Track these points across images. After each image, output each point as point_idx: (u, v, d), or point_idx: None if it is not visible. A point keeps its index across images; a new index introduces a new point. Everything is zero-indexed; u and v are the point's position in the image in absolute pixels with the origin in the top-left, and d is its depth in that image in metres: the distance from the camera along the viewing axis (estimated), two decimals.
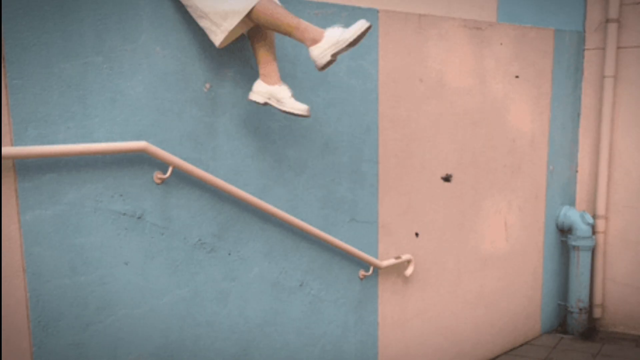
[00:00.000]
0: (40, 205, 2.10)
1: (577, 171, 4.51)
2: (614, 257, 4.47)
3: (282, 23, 2.34)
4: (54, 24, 2.08)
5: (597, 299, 4.50)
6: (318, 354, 3.05)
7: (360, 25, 2.36)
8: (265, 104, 2.50)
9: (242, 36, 2.55)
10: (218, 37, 2.34)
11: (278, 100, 2.48)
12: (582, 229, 4.28)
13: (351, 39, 2.35)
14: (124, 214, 2.30)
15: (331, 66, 2.91)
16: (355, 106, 3.06)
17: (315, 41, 2.37)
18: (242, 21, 2.33)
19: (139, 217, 2.34)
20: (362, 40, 2.50)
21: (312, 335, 3.02)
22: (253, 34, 2.50)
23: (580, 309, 4.40)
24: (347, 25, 2.41)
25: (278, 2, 2.43)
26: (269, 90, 2.48)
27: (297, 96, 2.78)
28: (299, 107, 2.47)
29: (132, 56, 2.27)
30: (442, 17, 3.45)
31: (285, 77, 2.75)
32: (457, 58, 3.55)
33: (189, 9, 2.36)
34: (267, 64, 2.48)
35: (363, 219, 3.18)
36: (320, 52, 2.38)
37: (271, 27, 2.37)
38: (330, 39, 2.36)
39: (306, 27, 2.37)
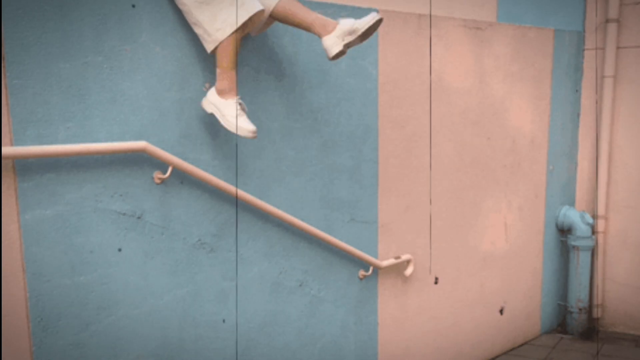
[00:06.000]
0: (40, 205, 2.10)
1: (576, 171, 4.51)
2: (613, 257, 4.47)
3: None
4: (54, 24, 2.08)
5: (597, 299, 4.50)
6: (318, 354, 3.05)
7: (372, 17, 2.38)
8: (212, 114, 2.41)
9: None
10: (209, 45, 2.37)
11: (222, 115, 2.37)
12: (581, 229, 4.28)
13: (363, 29, 2.37)
14: (124, 214, 2.30)
15: (331, 67, 2.92)
16: (355, 106, 3.06)
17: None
18: (234, 33, 2.34)
19: (139, 217, 2.34)
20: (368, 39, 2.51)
21: (312, 335, 3.02)
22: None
23: (580, 309, 4.40)
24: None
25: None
26: (216, 101, 2.39)
27: (297, 96, 2.79)
28: (239, 127, 2.33)
29: (132, 56, 2.27)
30: (442, 17, 3.45)
31: (285, 77, 2.76)
32: (457, 58, 3.55)
33: (185, 15, 2.37)
34: (224, 73, 2.37)
35: (363, 219, 3.18)
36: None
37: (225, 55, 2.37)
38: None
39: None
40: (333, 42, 2.39)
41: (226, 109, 2.36)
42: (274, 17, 2.46)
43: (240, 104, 2.38)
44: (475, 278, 3.87)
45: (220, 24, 2.29)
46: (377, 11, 3.09)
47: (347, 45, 2.42)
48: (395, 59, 3.23)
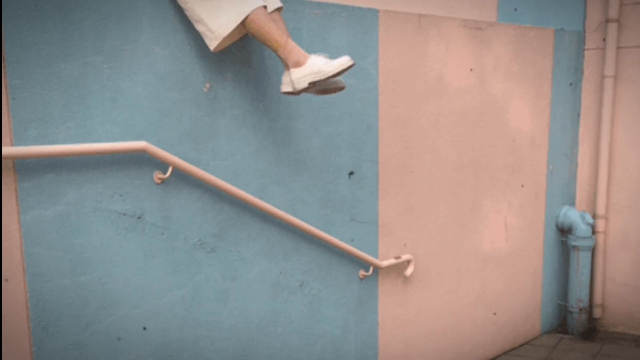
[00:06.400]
0: (40, 205, 2.10)
1: (577, 171, 4.51)
2: (614, 257, 4.47)
3: (270, 38, 2.33)
4: (54, 24, 2.08)
5: (597, 299, 4.50)
6: (318, 354, 3.05)
7: (344, 61, 2.35)
8: (311, 84, 2.37)
9: (241, 37, 2.55)
10: (212, 42, 2.36)
11: (317, 73, 2.34)
12: (582, 228, 4.28)
13: (332, 73, 2.33)
14: (124, 214, 2.30)
15: None
16: (355, 106, 3.06)
17: (297, 64, 2.36)
18: (237, 28, 2.33)
19: (139, 217, 2.34)
20: (345, 73, 2.45)
21: (312, 335, 3.02)
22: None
23: (580, 309, 4.40)
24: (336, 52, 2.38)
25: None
26: (303, 71, 2.37)
27: (297, 96, 2.79)
28: (340, 64, 2.33)
29: (132, 56, 2.27)
30: (442, 17, 3.46)
31: None
32: (457, 58, 3.55)
33: (186, 12, 2.37)
34: (285, 48, 2.36)
35: (363, 219, 3.18)
36: (300, 76, 2.37)
37: (259, 39, 2.37)
38: (312, 67, 2.34)
39: (293, 48, 2.36)
40: (299, 77, 2.37)
41: (314, 66, 2.34)
42: (246, 27, 2.35)
43: (317, 54, 2.38)
44: (475, 278, 3.87)
45: (223, 20, 2.29)
46: (376, 9, 3.10)
47: (313, 83, 2.38)
48: (395, 59, 3.23)
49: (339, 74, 2.36)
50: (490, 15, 3.80)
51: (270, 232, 2.79)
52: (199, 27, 2.37)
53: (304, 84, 2.37)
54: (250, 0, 2.29)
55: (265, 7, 2.35)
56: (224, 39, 2.35)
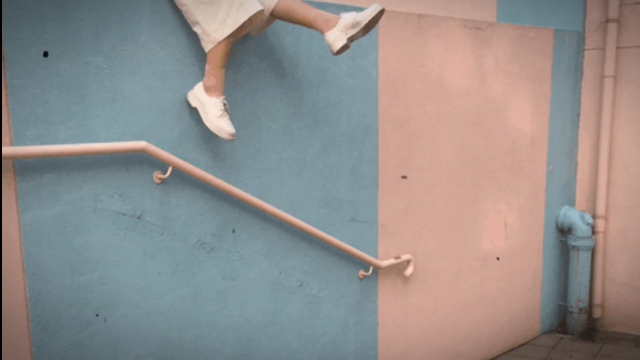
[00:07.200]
0: (40, 205, 2.10)
1: (576, 171, 4.52)
2: (613, 257, 4.47)
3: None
4: (54, 24, 2.08)
5: (597, 299, 4.50)
6: (318, 354, 3.05)
7: (374, 8, 2.38)
8: (195, 108, 2.42)
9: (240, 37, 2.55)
10: (208, 45, 2.37)
11: (205, 113, 2.38)
12: (581, 229, 4.28)
13: (366, 21, 2.37)
14: (124, 214, 2.30)
15: (331, 67, 2.92)
16: (355, 106, 3.06)
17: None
18: (233, 33, 2.34)
19: (139, 217, 2.34)
20: (372, 30, 2.52)
21: (312, 335, 3.02)
22: None
23: (580, 309, 4.40)
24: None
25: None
26: (202, 98, 2.39)
27: (297, 96, 2.79)
28: (219, 128, 2.36)
29: (132, 56, 2.27)
30: (442, 17, 3.46)
31: (285, 77, 2.76)
32: (457, 58, 3.55)
33: (184, 14, 2.37)
34: (213, 70, 2.37)
35: (363, 219, 3.18)
36: (336, 36, 2.39)
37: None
38: (346, 22, 2.38)
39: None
40: (336, 37, 2.40)
41: (210, 107, 2.38)
42: (275, 15, 2.46)
43: (224, 104, 2.39)
44: (475, 278, 3.87)
45: (219, 24, 2.30)
46: None
47: (351, 39, 2.42)
48: (395, 59, 3.23)
49: (372, 21, 2.39)
50: (490, 15, 3.80)
51: (270, 232, 2.79)
52: (196, 29, 2.38)
53: (343, 41, 2.39)
54: (247, 6, 2.29)
55: (262, 10, 2.35)
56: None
